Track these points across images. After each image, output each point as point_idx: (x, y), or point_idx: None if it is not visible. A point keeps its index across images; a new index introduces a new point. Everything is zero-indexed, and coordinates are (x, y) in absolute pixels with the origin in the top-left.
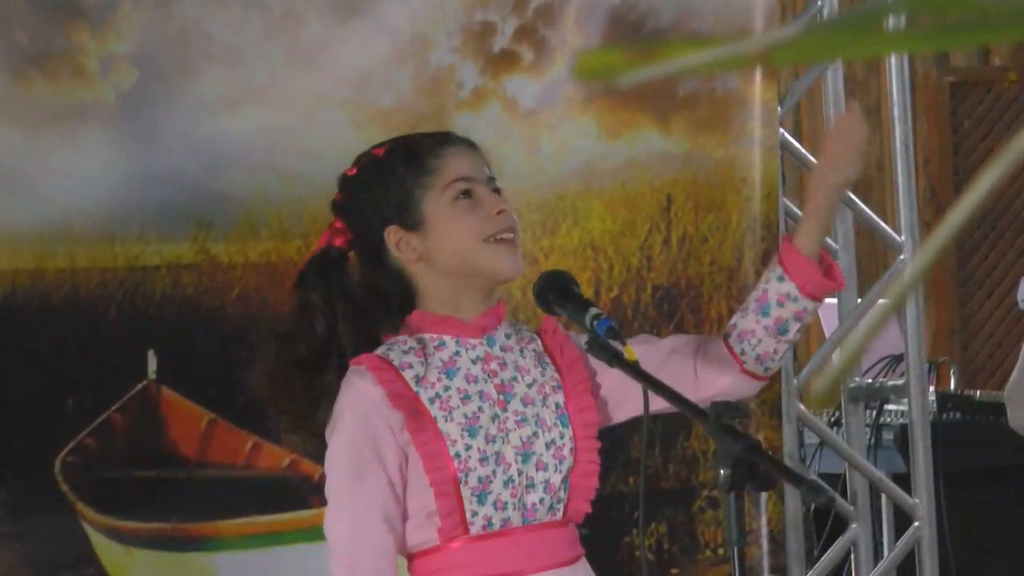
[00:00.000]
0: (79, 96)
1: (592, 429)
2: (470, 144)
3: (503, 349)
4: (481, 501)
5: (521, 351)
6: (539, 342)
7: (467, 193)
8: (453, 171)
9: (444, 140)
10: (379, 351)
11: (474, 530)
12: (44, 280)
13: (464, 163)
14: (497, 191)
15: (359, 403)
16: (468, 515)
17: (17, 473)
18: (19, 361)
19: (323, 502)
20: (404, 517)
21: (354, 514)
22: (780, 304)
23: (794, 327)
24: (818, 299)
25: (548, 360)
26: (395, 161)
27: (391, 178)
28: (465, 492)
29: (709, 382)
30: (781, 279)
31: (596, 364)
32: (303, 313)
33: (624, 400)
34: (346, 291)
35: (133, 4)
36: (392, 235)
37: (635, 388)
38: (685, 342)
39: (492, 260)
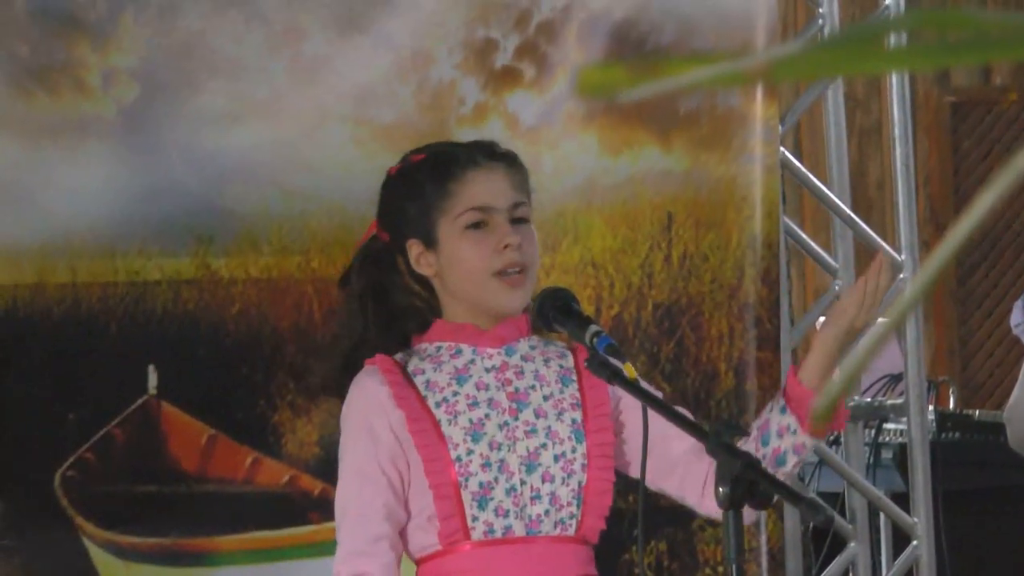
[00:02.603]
0: (80, 110)
1: (607, 448)
2: (508, 163)
3: (523, 359)
4: (482, 507)
5: (545, 362)
6: (571, 358)
7: (479, 224)
8: (470, 199)
9: (473, 161)
10: (397, 357)
11: (475, 536)
12: (45, 294)
13: (485, 190)
14: (521, 220)
15: (365, 403)
16: (469, 520)
17: (17, 487)
18: (20, 375)
19: (322, 518)
20: (406, 514)
21: (358, 510)
22: (780, 435)
23: (792, 460)
24: (818, 436)
25: (574, 378)
26: (423, 177)
27: (416, 193)
28: (466, 496)
29: (712, 499)
30: (783, 410)
31: (625, 415)
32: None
33: (638, 454)
34: (381, 289)
35: (135, 18)
36: (413, 248)
37: (653, 445)
38: (702, 449)
39: (494, 296)
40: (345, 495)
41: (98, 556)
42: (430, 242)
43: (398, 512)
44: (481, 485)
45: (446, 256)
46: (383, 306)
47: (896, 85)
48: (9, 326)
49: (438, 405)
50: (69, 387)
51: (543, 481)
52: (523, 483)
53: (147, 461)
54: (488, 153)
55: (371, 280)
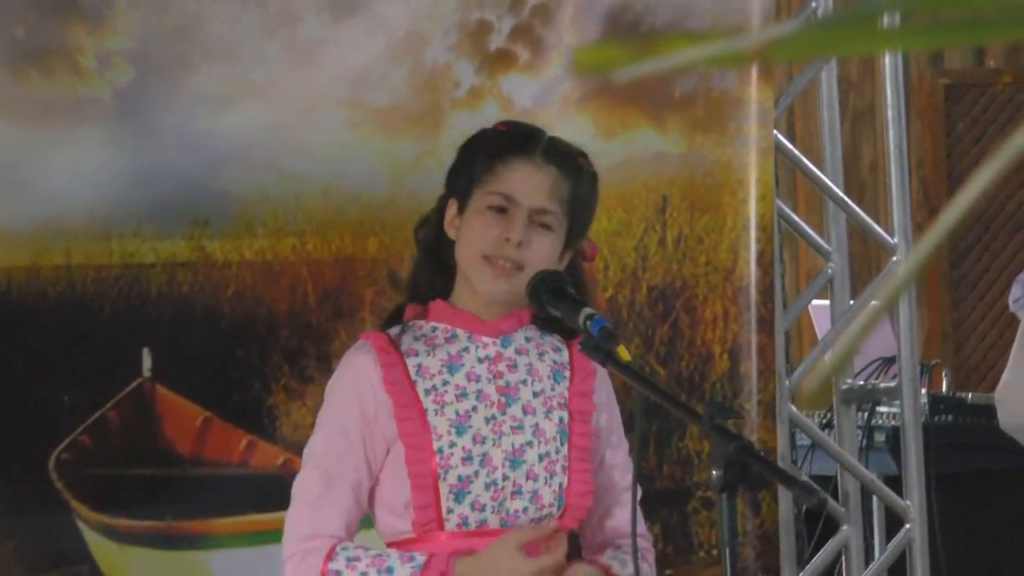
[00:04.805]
0: (76, 92)
1: (587, 452)
2: (563, 172)
3: (518, 351)
4: (458, 499)
5: (540, 356)
6: (565, 353)
7: (500, 209)
8: (503, 184)
9: (528, 153)
10: (393, 332)
11: (449, 527)
12: (40, 277)
13: (521, 182)
14: (544, 226)
15: (356, 379)
16: (444, 511)
17: (11, 470)
18: (14, 358)
19: None
20: (370, 497)
21: (325, 493)
22: None
23: None
24: None
25: (566, 375)
26: (482, 147)
27: (471, 161)
28: (443, 488)
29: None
30: None
31: (603, 443)
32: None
33: (600, 495)
34: (436, 243)
35: (130, 1)
36: (450, 209)
37: (613, 491)
38: (616, 519)
39: (478, 277)
40: (312, 475)
41: (93, 539)
42: (461, 208)
43: (361, 499)
44: (460, 479)
45: (464, 225)
46: (434, 258)
47: (890, 67)
48: (3, 308)
49: (427, 393)
50: (64, 369)
51: (527, 479)
52: (506, 478)
53: (142, 444)
54: (548, 153)
55: (431, 231)
